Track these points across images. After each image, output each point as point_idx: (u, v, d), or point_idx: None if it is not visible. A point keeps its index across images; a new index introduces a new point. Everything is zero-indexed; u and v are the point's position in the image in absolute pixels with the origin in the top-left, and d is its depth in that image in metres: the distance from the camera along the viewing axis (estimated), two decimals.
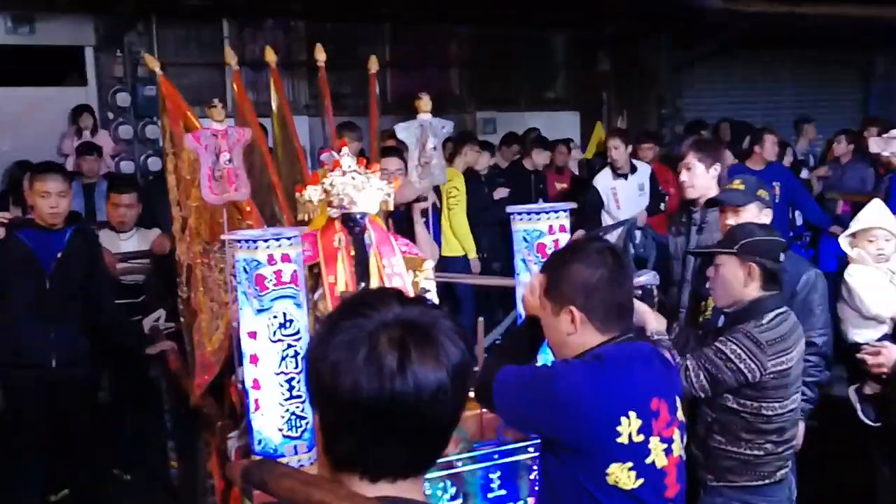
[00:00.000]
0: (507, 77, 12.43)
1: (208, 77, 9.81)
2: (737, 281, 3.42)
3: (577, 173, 9.99)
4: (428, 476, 2.87)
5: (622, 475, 2.35)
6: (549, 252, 3.22)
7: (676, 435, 2.49)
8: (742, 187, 4.06)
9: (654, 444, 2.40)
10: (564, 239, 3.27)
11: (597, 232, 7.86)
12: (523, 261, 3.27)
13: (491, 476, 3.10)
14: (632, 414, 2.35)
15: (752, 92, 13.67)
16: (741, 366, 3.27)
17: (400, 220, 4.29)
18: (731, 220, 3.95)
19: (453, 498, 3.00)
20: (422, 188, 3.92)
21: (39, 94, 9.48)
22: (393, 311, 1.52)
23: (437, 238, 4.39)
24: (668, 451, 2.43)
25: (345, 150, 3.41)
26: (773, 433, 3.39)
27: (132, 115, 9.82)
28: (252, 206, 3.71)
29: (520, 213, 3.26)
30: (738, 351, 3.28)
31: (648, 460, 2.39)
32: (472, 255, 7.87)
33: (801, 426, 3.90)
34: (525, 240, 3.25)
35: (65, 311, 4.76)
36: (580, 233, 7.68)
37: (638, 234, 7.81)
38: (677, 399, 2.55)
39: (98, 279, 4.91)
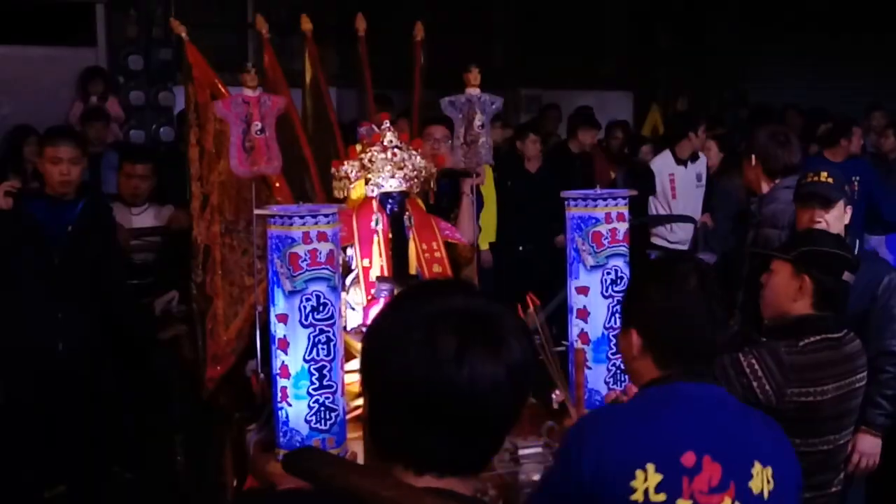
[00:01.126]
0: (555, 52, 12.45)
1: (229, 40, 9.91)
2: (787, 292, 3.37)
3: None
4: None
5: None
6: (604, 242, 3.30)
7: None
8: (832, 180, 4.04)
9: None
10: (622, 228, 3.33)
11: (643, 220, 7.92)
12: (576, 250, 3.33)
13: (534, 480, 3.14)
14: (650, 467, 2.19)
15: (826, 77, 13.60)
16: (754, 384, 3.21)
17: (444, 193, 4.29)
18: (819, 218, 3.94)
19: (493, 502, 3.05)
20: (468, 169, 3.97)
21: (44, 54, 9.56)
22: (459, 299, 1.60)
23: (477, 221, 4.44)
24: None
25: (386, 123, 3.48)
26: None
27: (145, 79, 9.92)
28: (282, 182, 3.78)
29: (574, 199, 3.33)
30: (756, 367, 3.23)
31: None
32: (484, 245, 7.56)
33: (878, 442, 3.95)
34: (579, 227, 3.31)
35: (74, 291, 4.81)
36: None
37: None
38: (760, 467, 2.27)
39: (110, 257, 4.98)
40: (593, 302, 3.36)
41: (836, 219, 3.95)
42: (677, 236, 7.90)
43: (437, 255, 3.56)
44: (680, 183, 7.91)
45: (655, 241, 7.94)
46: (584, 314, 3.38)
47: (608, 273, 3.34)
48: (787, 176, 4.59)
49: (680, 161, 7.91)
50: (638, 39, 13.27)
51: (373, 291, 3.42)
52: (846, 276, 3.36)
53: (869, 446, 3.95)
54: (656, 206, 7.97)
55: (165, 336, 4.89)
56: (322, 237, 2.91)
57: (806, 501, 3.32)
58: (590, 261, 3.30)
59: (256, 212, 3.20)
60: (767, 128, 5.25)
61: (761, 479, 2.27)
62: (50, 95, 9.16)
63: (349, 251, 3.55)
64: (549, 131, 9.99)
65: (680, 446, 2.22)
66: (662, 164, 7.97)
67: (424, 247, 3.55)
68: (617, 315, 3.35)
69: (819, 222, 3.94)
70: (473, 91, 3.71)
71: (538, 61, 12.34)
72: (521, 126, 9.29)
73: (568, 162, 8.81)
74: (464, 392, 1.52)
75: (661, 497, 2.18)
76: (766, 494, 2.26)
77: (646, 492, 2.17)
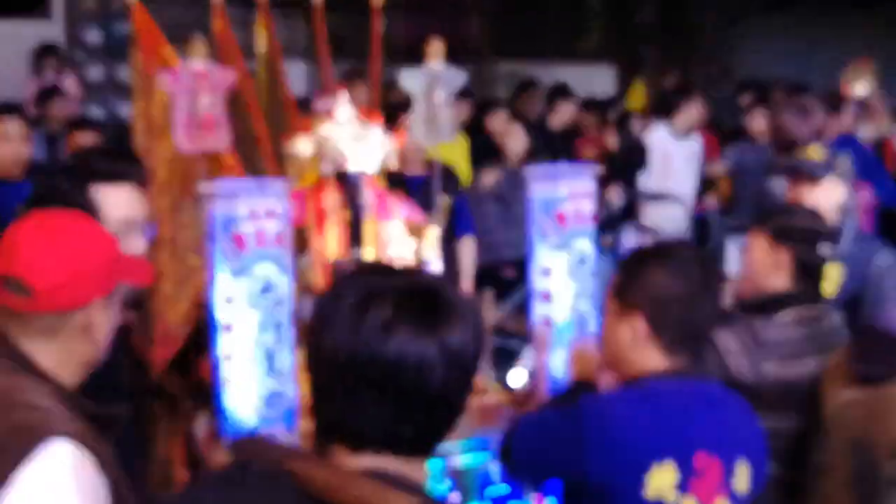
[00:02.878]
0: (534, 24, 12.41)
1: (190, 14, 9.78)
2: (763, 267, 3.37)
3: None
4: None
5: None
6: (568, 221, 3.25)
7: None
8: (820, 156, 4.05)
9: None
10: (587, 206, 3.29)
11: (634, 197, 7.90)
12: (540, 230, 3.29)
13: (491, 469, 3.13)
14: (668, 464, 2.29)
15: (813, 51, 13.62)
16: (728, 359, 3.20)
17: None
18: (805, 195, 3.95)
19: (449, 491, 3.02)
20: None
21: None
22: (402, 278, 1.64)
23: None
24: None
25: (342, 95, 3.42)
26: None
27: (104, 54, 9.85)
28: (234, 160, 3.71)
29: (536, 176, 3.28)
30: (731, 343, 3.21)
31: None
32: None
33: None
34: (543, 206, 3.27)
35: None
36: (617, 189, 7.71)
37: None
38: (745, 464, 2.42)
39: None
40: (557, 283, 3.30)
41: (824, 197, 3.93)
42: (667, 213, 7.87)
43: (395, 235, 3.52)
44: (677, 160, 7.87)
45: (642, 218, 7.90)
46: (546, 296, 3.32)
47: (573, 254, 3.30)
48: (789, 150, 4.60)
49: (677, 136, 7.86)
50: (620, 13, 13.24)
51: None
52: (824, 249, 3.36)
53: None
54: (647, 182, 7.92)
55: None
56: (270, 214, 2.87)
57: (787, 483, 3.33)
58: (554, 240, 3.26)
59: (200, 188, 3.15)
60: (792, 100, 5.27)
61: (745, 477, 2.41)
62: (4, 70, 9.07)
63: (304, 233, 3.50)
64: (526, 111, 9.93)
65: (694, 446, 2.31)
66: (659, 139, 7.91)
67: (382, 227, 3.50)
68: (581, 298, 3.32)
69: (805, 199, 3.94)
70: (435, 64, 3.66)
71: (516, 34, 12.30)
72: (485, 102, 9.25)
73: (547, 139, 8.77)
74: (389, 366, 1.54)
75: (671, 495, 2.28)
76: (746, 491, 2.41)
77: (659, 489, 2.27)
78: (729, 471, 2.37)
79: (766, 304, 3.34)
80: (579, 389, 2.70)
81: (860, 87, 7.75)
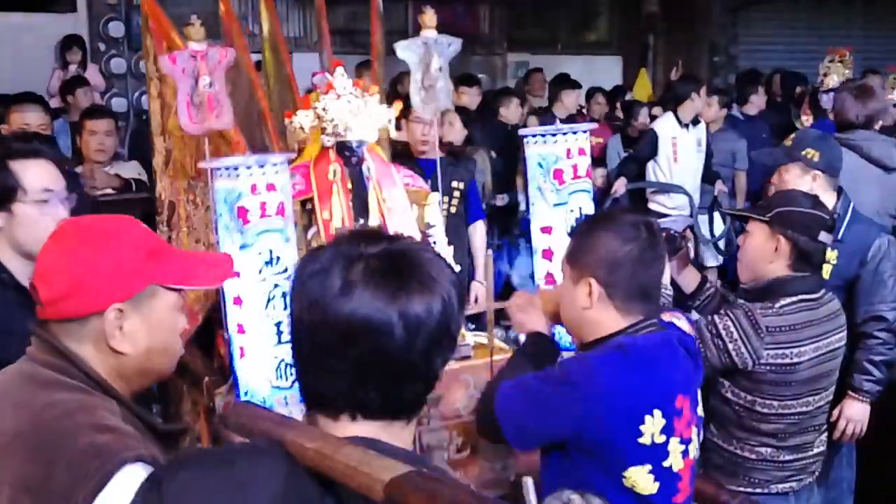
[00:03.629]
0: (543, 16, 12.38)
1: (207, 7, 9.77)
2: (763, 254, 3.33)
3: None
4: (432, 426, 2.87)
5: (640, 478, 2.38)
6: (566, 179, 3.19)
7: (694, 434, 2.51)
8: (788, 143, 3.98)
9: (674, 445, 2.42)
10: (584, 163, 3.22)
11: (638, 185, 7.80)
12: (539, 189, 3.22)
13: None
14: (657, 413, 2.37)
15: (815, 41, 13.48)
16: (730, 346, 3.18)
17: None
18: (775, 182, 3.93)
19: (460, 449, 2.97)
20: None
21: (22, 21, 9.47)
22: (382, 244, 1.57)
23: None
24: (685, 454, 2.46)
25: (339, 70, 3.36)
26: (769, 436, 3.30)
27: (126, 46, 9.91)
28: (240, 136, 3.65)
29: (533, 136, 3.21)
30: (732, 329, 3.19)
31: (666, 463, 2.42)
32: None
33: (865, 409, 3.86)
34: (540, 165, 3.20)
35: None
36: (622, 180, 7.64)
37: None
38: (698, 393, 2.58)
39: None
40: (558, 241, 3.23)
41: (792, 182, 3.88)
42: (675, 202, 7.78)
43: (398, 203, 3.45)
44: (682, 147, 7.78)
45: (653, 206, 7.80)
46: (549, 254, 3.27)
47: (572, 211, 3.23)
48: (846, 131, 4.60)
49: (683, 124, 7.78)
50: (626, 4, 13.17)
51: None
52: (824, 236, 3.29)
53: (856, 412, 3.87)
54: (656, 171, 7.84)
55: None
56: (271, 187, 2.80)
57: (786, 464, 3.34)
58: (553, 198, 3.18)
59: (201, 165, 3.10)
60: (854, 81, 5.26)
61: (699, 402, 2.59)
62: (30, 63, 9.02)
63: (309, 205, 3.45)
64: (533, 94, 9.91)
65: (673, 391, 2.42)
66: (665, 127, 7.84)
67: (385, 196, 3.44)
68: None
69: (773, 184, 3.95)
70: (429, 33, 3.58)
71: (526, 26, 12.26)
72: (499, 91, 9.18)
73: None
74: (345, 328, 1.49)
75: (662, 438, 2.38)
76: (702, 413, 2.60)
77: (652, 435, 2.36)
78: (694, 402, 2.51)
79: (766, 291, 3.30)
80: (534, 343, 2.73)
81: (834, 77, 7.72)
